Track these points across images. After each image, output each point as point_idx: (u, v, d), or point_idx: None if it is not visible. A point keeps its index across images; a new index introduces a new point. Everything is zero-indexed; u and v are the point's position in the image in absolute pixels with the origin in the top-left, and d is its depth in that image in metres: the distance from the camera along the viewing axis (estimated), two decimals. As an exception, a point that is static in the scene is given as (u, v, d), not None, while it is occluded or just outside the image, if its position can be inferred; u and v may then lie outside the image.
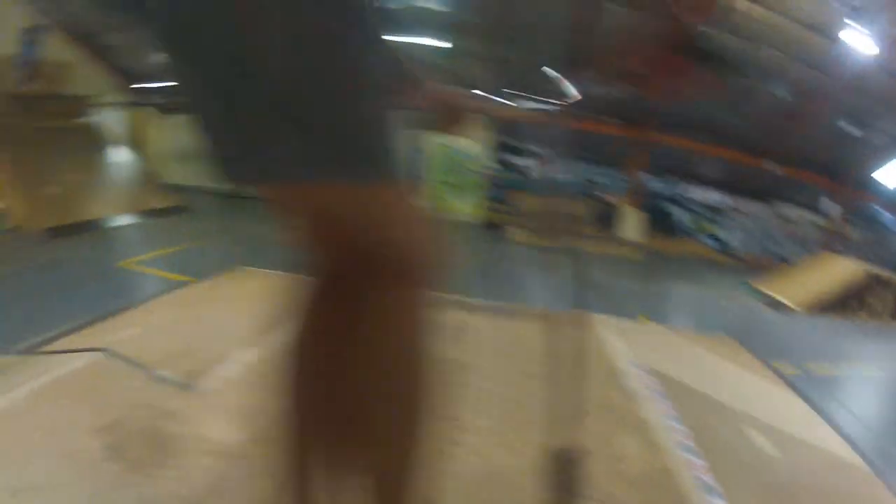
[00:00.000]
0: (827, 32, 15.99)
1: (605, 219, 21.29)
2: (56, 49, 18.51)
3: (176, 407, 3.01)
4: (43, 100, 17.14)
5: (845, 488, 4.03)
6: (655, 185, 25.18)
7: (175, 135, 24.06)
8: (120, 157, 19.20)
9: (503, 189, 20.93)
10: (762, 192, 26.85)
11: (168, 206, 16.49)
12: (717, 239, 25.05)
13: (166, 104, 23.96)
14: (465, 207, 20.13)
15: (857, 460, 4.50)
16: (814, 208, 27.57)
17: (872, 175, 24.83)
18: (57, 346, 4.37)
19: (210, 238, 13.66)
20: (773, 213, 27.51)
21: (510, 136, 22.36)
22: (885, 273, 16.21)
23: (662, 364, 4.80)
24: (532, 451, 2.76)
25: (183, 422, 2.87)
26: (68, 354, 3.89)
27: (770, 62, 17.48)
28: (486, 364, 4.28)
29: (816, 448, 4.56)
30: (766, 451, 3.97)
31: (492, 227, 19.76)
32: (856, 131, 21.50)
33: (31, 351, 4.35)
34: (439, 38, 17.14)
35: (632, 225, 21.22)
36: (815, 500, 3.52)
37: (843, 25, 15.13)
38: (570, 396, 2.65)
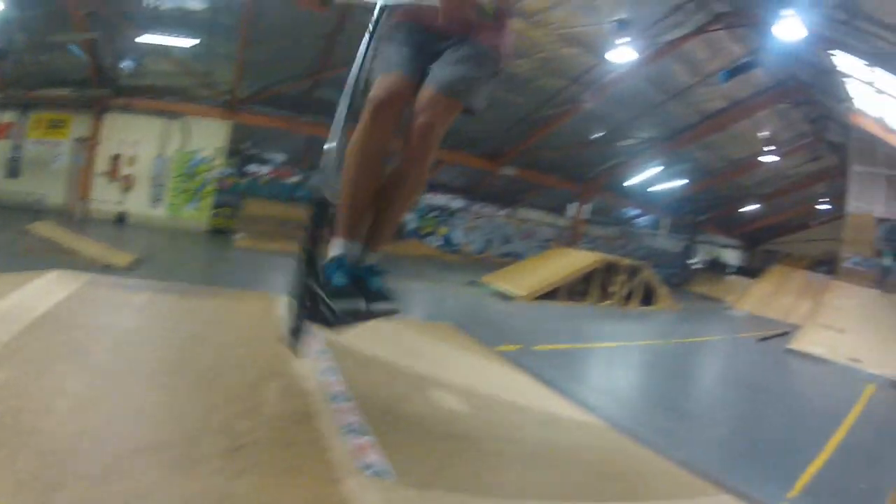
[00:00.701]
0: (591, 47, 17.26)
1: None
2: None
3: None
4: None
5: (566, 439, 4.33)
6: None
7: None
8: None
9: (235, 195, 20.77)
10: (502, 195, 28.51)
11: None
12: (447, 239, 26.13)
13: None
14: (197, 213, 19.95)
15: (587, 417, 4.82)
16: (556, 209, 29.53)
17: (625, 178, 26.94)
18: None
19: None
20: (509, 215, 29.22)
21: (246, 142, 22.42)
22: (622, 260, 17.55)
23: (348, 339, 4.96)
24: (181, 393, 3.21)
25: None
26: None
27: (522, 73, 18.50)
28: (158, 330, 4.55)
29: (530, 409, 4.86)
30: (453, 407, 4.24)
31: (220, 232, 19.53)
32: (609, 138, 23.17)
33: None
34: (190, 36, 16.73)
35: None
36: (513, 448, 3.82)
37: (609, 40, 16.26)
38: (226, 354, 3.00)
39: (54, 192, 19.99)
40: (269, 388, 3.52)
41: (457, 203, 28.51)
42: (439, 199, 27.95)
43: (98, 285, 5.94)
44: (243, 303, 5.89)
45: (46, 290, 5.25)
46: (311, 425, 3.12)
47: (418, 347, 6.11)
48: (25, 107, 20.20)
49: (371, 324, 6.34)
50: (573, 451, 4.35)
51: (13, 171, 20.26)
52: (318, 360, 4.16)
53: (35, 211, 17.96)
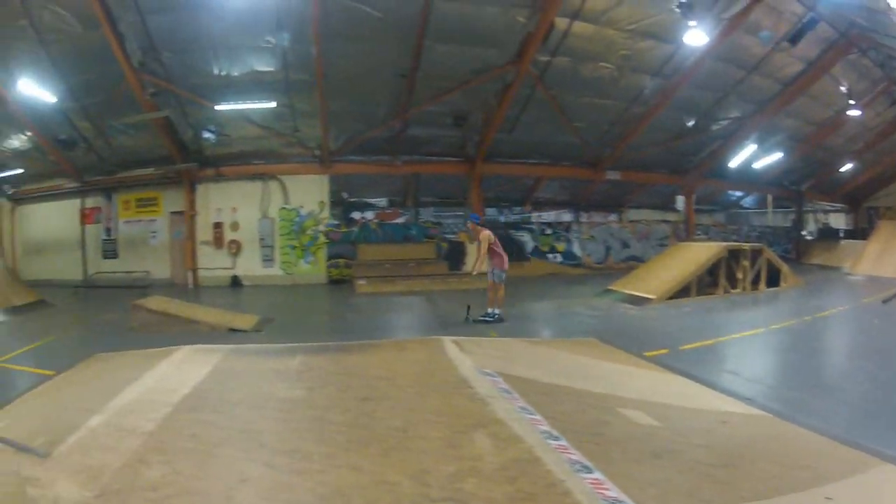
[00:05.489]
0: (663, 36, 16.97)
1: (454, 256, 21.54)
2: None
3: (34, 473, 2.99)
4: None
5: (747, 435, 4.16)
6: (500, 215, 26.47)
7: (29, 226, 22.51)
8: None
9: (346, 244, 20.87)
10: (606, 200, 28.23)
11: (28, 302, 15.33)
12: (567, 254, 25.75)
13: (16, 194, 22.25)
14: (313, 267, 20.19)
15: (752, 410, 4.65)
16: (664, 206, 28.84)
17: (723, 161, 26.19)
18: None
19: (69, 329, 12.87)
20: (621, 219, 28.64)
21: (348, 191, 22.75)
22: (742, 245, 17.02)
23: (514, 369, 4.85)
24: (370, 465, 2.92)
25: (39, 486, 2.84)
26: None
27: (606, 75, 18.34)
28: (324, 397, 4.33)
29: (704, 410, 4.64)
30: (643, 422, 4.06)
31: (339, 282, 19.67)
32: (701, 125, 22.59)
33: None
34: (267, 100, 17.08)
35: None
36: (711, 455, 3.62)
37: (678, 26, 15.84)
38: (411, 410, 2.77)
39: (158, 267, 20.78)
40: (479, 438, 3.27)
41: (565, 216, 28.30)
42: (547, 215, 27.85)
43: (237, 355, 5.86)
44: (408, 351, 5.65)
45: (182, 368, 5.22)
46: (543, 470, 2.86)
47: (580, 367, 6.00)
48: (108, 190, 21.06)
49: (524, 348, 6.42)
50: (754, 447, 4.16)
51: (110, 252, 20.99)
52: (507, 399, 4.00)
53: (141, 287, 18.67)
